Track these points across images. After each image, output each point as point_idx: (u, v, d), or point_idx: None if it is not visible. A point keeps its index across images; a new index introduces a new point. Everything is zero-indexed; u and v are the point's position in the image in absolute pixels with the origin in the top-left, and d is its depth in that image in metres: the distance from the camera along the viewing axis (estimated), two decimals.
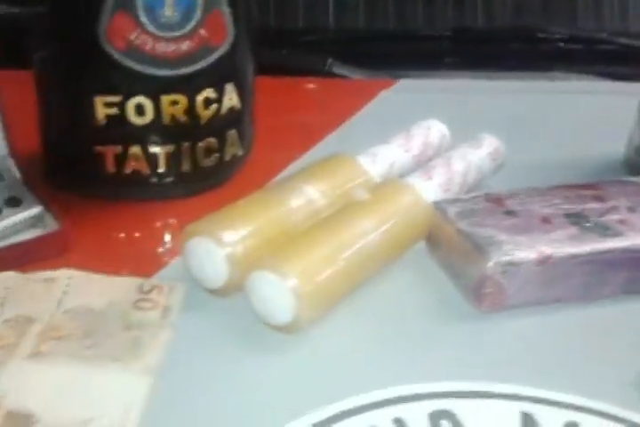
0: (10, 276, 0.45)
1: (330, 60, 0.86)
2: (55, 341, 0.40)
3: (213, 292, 0.44)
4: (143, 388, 0.37)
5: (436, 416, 0.35)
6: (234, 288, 0.43)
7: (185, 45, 0.50)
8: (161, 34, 0.49)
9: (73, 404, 0.36)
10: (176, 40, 0.49)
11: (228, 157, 0.55)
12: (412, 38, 0.89)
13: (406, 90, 0.75)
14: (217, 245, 0.42)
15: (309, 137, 0.63)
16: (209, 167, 0.54)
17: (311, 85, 0.75)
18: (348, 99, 0.73)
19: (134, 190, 0.54)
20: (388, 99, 0.72)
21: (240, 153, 0.56)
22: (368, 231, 0.43)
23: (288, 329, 0.40)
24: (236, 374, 0.39)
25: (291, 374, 0.39)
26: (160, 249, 0.50)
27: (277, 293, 0.39)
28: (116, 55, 0.49)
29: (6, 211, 0.49)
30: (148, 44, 0.49)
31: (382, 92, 0.73)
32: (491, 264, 0.40)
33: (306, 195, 0.46)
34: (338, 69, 0.87)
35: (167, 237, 0.51)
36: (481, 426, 0.35)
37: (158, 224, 0.53)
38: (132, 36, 0.48)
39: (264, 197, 0.45)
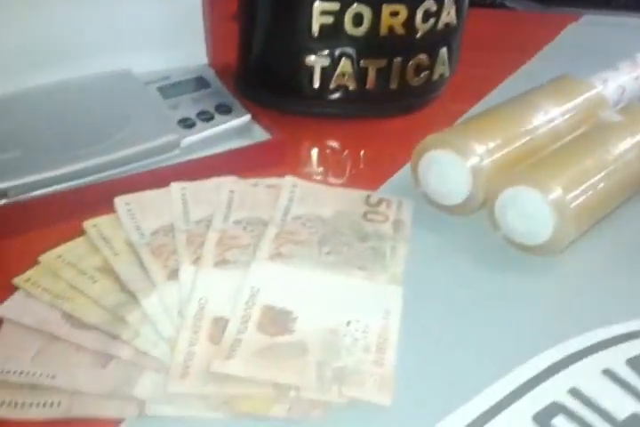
0: (232, 180, 0.44)
1: None
2: (293, 244, 0.39)
3: (448, 208, 0.41)
4: (397, 296, 0.35)
5: None
6: (473, 204, 0.40)
7: None
8: None
9: (330, 306, 0.34)
10: None
11: (435, 77, 0.52)
12: None
13: (593, 24, 0.70)
14: (462, 157, 0.39)
15: (506, 65, 0.60)
16: (416, 86, 0.52)
17: (500, 18, 0.71)
18: (537, 30, 0.69)
19: (337, 106, 0.52)
20: (578, 32, 0.68)
21: (447, 74, 0.53)
22: (624, 152, 0.40)
23: (542, 249, 0.38)
24: (478, 293, 0.37)
25: (538, 297, 0.37)
26: (377, 165, 0.48)
27: (537, 209, 0.37)
28: None
29: (218, 117, 0.48)
30: None
31: (570, 25, 0.69)
32: None
33: (546, 112, 0.43)
34: (509, 2, 0.83)
35: (381, 154, 0.49)
36: None
37: (366, 141, 0.50)
38: None
39: (505, 112, 0.43)
